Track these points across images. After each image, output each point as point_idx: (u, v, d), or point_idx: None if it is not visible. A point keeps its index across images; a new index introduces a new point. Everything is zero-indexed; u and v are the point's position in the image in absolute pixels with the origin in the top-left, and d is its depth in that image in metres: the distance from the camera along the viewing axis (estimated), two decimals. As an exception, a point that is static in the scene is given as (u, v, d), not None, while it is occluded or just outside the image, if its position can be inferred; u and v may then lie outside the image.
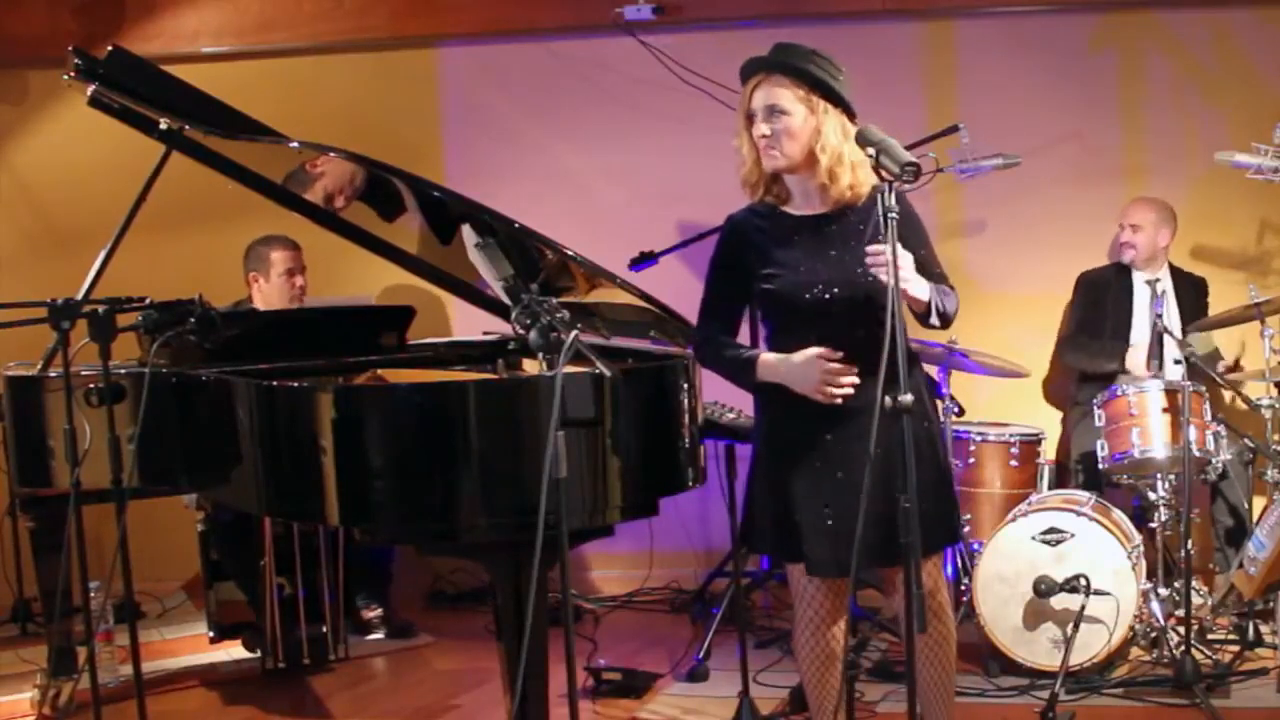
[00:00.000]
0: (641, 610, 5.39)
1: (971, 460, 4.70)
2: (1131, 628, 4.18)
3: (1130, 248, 5.06)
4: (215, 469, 3.58)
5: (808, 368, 3.04)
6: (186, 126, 3.98)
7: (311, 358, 4.09)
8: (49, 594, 4.24)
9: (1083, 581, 4.03)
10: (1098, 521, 4.17)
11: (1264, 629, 4.35)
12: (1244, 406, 4.60)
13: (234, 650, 4.77)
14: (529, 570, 2.89)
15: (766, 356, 3.13)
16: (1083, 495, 4.39)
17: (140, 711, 3.47)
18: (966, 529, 4.63)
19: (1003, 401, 5.32)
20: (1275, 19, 5.30)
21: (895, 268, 2.81)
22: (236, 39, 5.71)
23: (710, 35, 5.56)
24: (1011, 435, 4.72)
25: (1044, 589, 4.07)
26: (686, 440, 3.38)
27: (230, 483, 3.54)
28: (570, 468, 2.94)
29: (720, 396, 4.07)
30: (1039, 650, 4.14)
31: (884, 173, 2.86)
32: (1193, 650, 4.02)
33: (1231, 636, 4.42)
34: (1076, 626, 3.99)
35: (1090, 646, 4.07)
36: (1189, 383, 4.22)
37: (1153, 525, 4.45)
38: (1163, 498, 4.41)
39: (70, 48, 4.09)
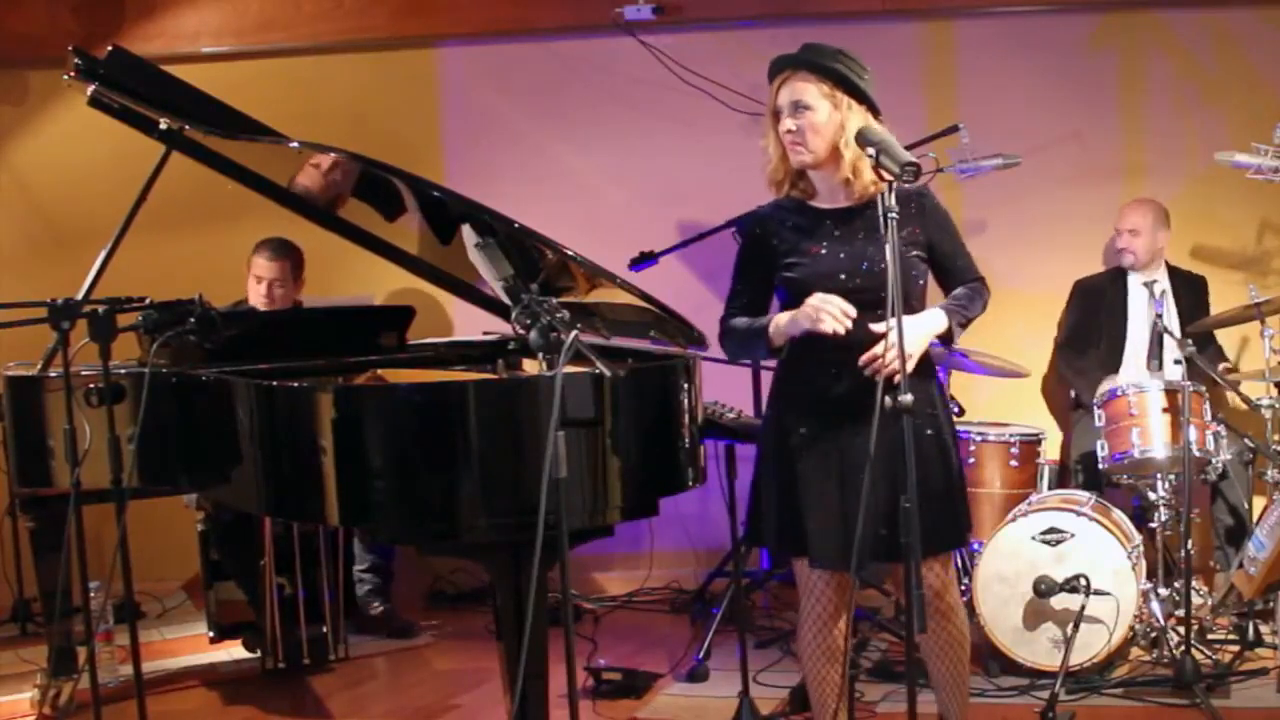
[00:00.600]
0: (641, 610, 5.39)
1: (971, 460, 4.70)
2: (1131, 628, 4.18)
3: (1129, 253, 5.06)
4: (215, 469, 3.58)
5: (808, 306, 3.08)
6: (186, 126, 3.98)
7: (311, 358, 4.09)
8: (49, 594, 4.24)
9: (1083, 581, 4.03)
10: (1098, 521, 4.17)
11: (1264, 629, 4.35)
12: (1244, 406, 4.60)
13: (234, 650, 4.77)
14: (529, 570, 2.89)
15: (777, 316, 3.19)
16: (1083, 495, 4.39)
17: (140, 711, 3.47)
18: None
19: (1003, 401, 5.32)
20: (1275, 19, 5.30)
21: (895, 267, 2.87)
22: (236, 39, 5.71)
23: (710, 35, 5.56)
24: (1011, 435, 4.72)
25: (1044, 589, 4.07)
26: (686, 440, 3.38)
27: (230, 483, 3.54)
28: (570, 468, 2.94)
29: (720, 396, 4.07)
30: (1039, 650, 4.14)
31: (884, 172, 2.93)
32: (1193, 650, 4.02)
33: (1231, 636, 4.42)
34: (1076, 626, 3.99)
35: (1090, 646, 4.08)
36: (1189, 383, 4.22)
37: (1153, 525, 4.45)
38: (1163, 498, 4.41)
39: (70, 48, 4.09)
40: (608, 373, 3.07)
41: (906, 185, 3.08)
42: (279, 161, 4.16)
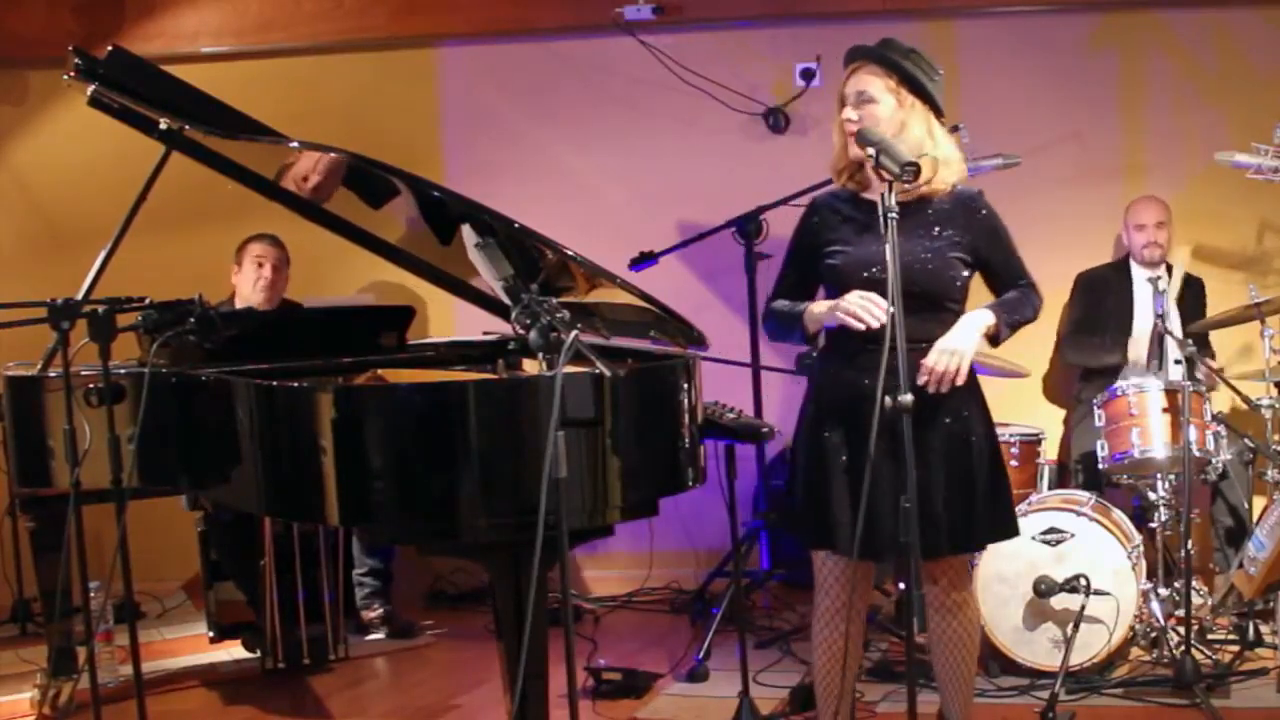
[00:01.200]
0: (641, 610, 5.39)
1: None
2: (1131, 628, 4.18)
3: (1157, 246, 5.06)
4: (215, 469, 3.57)
5: (846, 301, 3.12)
6: (186, 126, 3.98)
7: (311, 358, 4.09)
8: (49, 594, 4.24)
9: (1083, 581, 4.03)
10: (1098, 521, 4.17)
11: (1264, 629, 4.35)
12: (1244, 406, 4.60)
13: (234, 650, 4.77)
14: (529, 570, 2.89)
15: (813, 305, 3.24)
16: (1083, 495, 4.39)
17: (140, 711, 3.47)
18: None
19: (1003, 401, 5.29)
20: (1275, 19, 5.30)
21: (895, 266, 2.90)
22: (236, 39, 5.71)
23: (710, 35, 5.56)
24: (1011, 435, 4.72)
25: (1044, 589, 4.07)
26: (686, 440, 3.38)
27: (230, 483, 3.53)
28: (570, 468, 2.93)
29: (720, 396, 4.06)
30: (1039, 650, 4.14)
31: (884, 172, 2.95)
32: (1193, 650, 4.02)
33: (1231, 636, 4.42)
34: (1076, 626, 3.99)
35: (1090, 646, 4.08)
36: (1189, 383, 4.22)
37: (1153, 525, 4.45)
38: (1163, 498, 4.41)
39: (70, 48, 4.08)
40: (608, 373, 3.07)
41: (960, 188, 3.18)
42: (278, 162, 4.16)
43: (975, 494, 3.22)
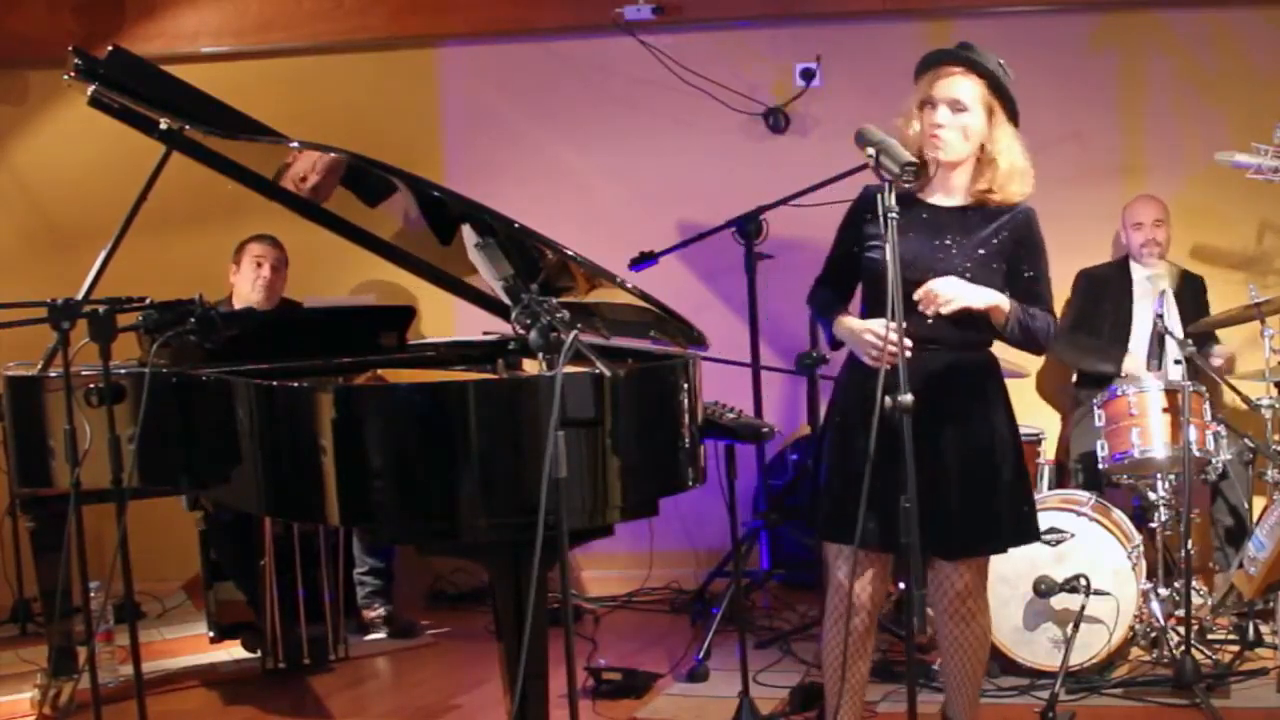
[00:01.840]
0: (641, 610, 5.39)
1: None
2: (1131, 628, 4.18)
3: (1156, 244, 5.06)
4: (216, 469, 3.57)
5: (865, 332, 3.16)
6: (186, 126, 3.98)
7: (311, 358, 4.09)
8: (49, 594, 4.24)
9: (1083, 581, 4.03)
10: (1098, 521, 4.17)
11: (1264, 629, 4.35)
12: (1244, 406, 4.60)
13: (234, 650, 4.77)
14: (529, 570, 2.89)
15: (845, 316, 3.29)
16: (1083, 495, 4.39)
17: (140, 711, 3.47)
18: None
19: (1003, 401, 5.31)
20: (1275, 19, 5.30)
21: (895, 266, 2.89)
22: (236, 39, 5.71)
23: (710, 35, 5.56)
24: (1011, 435, 4.71)
25: (1044, 589, 4.07)
26: (686, 440, 3.38)
27: (231, 483, 3.53)
28: (570, 468, 2.93)
29: (720, 396, 4.06)
30: (1039, 650, 4.14)
31: (883, 173, 2.94)
32: (1193, 650, 4.02)
33: (1231, 636, 4.42)
34: (1076, 626, 3.99)
35: (1090, 646, 4.08)
36: (1189, 383, 4.22)
37: (1153, 525, 4.45)
38: (1163, 498, 4.41)
39: (70, 48, 4.09)
40: (608, 373, 3.07)
41: (1002, 201, 3.20)
42: (279, 162, 4.16)
43: (996, 494, 3.23)
